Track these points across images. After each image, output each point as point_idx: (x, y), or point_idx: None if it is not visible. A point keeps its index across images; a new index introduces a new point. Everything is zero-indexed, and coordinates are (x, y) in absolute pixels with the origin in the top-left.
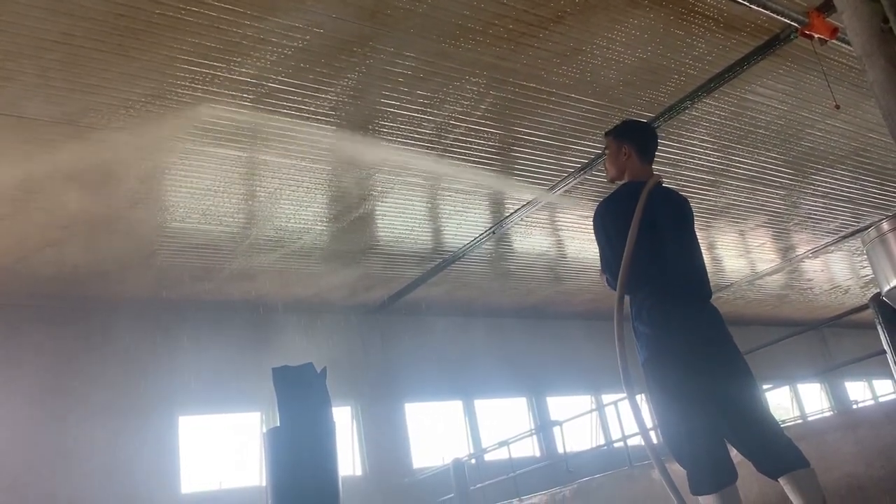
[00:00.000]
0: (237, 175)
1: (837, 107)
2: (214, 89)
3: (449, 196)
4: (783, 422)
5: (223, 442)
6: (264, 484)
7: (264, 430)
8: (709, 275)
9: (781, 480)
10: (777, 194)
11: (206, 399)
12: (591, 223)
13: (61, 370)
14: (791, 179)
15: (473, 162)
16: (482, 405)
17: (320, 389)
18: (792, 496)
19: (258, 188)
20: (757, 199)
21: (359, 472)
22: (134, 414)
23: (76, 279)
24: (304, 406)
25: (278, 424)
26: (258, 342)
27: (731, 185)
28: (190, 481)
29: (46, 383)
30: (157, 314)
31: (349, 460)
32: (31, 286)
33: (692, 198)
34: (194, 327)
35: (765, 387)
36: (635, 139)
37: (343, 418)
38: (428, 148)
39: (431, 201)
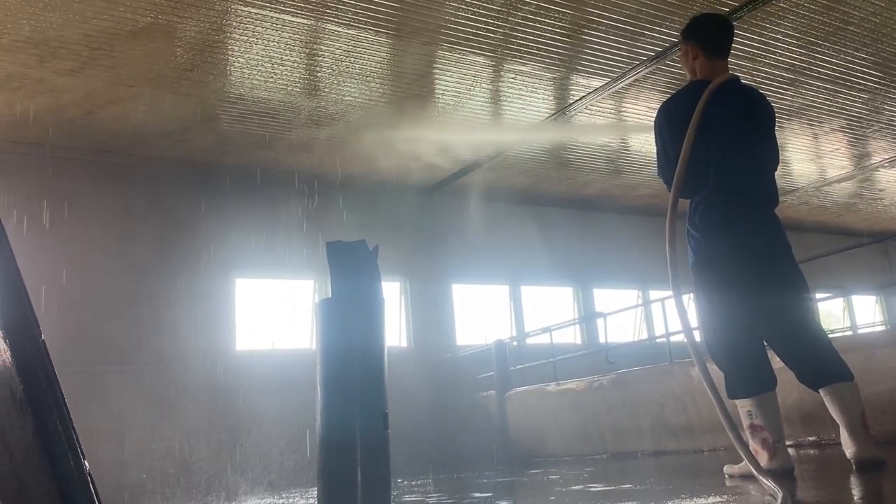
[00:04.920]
0: (299, 44)
1: None
2: None
3: (512, 78)
4: (832, 332)
5: (277, 305)
6: (314, 347)
7: (316, 297)
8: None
9: (822, 391)
10: (860, 98)
11: (262, 263)
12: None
13: (125, 228)
14: (877, 82)
15: (541, 43)
16: (528, 291)
17: (371, 266)
18: (830, 408)
19: (319, 59)
20: (837, 102)
21: (404, 344)
22: (193, 273)
23: (140, 138)
24: (356, 280)
25: (330, 295)
26: (313, 214)
27: (812, 85)
28: (244, 340)
29: (111, 238)
30: (218, 178)
31: (396, 332)
32: (97, 142)
33: (767, 97)
34: (253, 194)
35: (819, 296)
36: (700, 37)
37: (392, 293)
38: (494, 25)
39: (494, 83)
